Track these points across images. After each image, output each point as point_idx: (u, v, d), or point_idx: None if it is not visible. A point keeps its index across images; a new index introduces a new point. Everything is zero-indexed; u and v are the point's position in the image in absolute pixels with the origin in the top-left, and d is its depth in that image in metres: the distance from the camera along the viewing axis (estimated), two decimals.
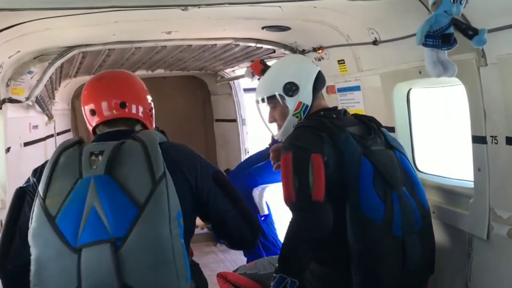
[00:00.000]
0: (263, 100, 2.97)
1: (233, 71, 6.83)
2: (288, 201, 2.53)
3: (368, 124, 2.87)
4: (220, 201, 2.26)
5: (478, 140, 2.62)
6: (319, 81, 2.93)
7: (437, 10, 2.03)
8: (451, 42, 2.11)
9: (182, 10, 3.13)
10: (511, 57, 2.28)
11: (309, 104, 2.84)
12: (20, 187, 2.33)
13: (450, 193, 3.02)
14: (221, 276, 3.09)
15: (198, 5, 3.05)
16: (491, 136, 2.53)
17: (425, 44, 2.13)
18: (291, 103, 2.85)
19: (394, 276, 2.52)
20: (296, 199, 2.49)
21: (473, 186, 2.76)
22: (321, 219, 2.48)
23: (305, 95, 2.84)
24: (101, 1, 2.37)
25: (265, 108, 3.05)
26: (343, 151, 2.56)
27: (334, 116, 2.79)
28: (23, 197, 2.29)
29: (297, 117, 2.85)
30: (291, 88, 2.83)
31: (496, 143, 2.49)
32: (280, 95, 2.87)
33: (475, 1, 2.36)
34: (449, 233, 2.99)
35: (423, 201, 2.70)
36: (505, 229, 2.49)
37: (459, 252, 2.89)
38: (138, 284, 1.95)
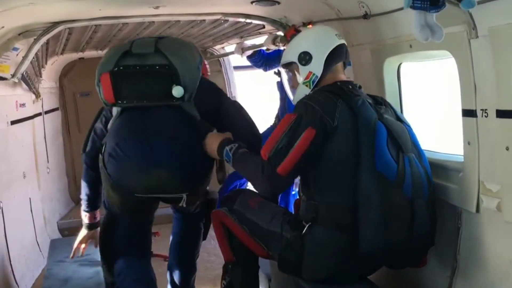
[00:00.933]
0: (283, 66, 3.12)
1: (222, 47, 6.76)
2: (263, 152, 2.69)
3: (379, 99, 2.96)
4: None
5: (468, 113, 2.61)
6: (336, 54, 2.95)
7: None
8: (439, 4, 2.06)
9: None
10: (503, 28, 2.25)
11: (319, 75, 2.89)
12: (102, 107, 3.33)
13: (440, 168, 3.00)
14: (215, 214, 3.24)
15: None
16: (481, 110, 2.52)
17: (413, 7, 2.09)
18: (303, 72, 2.92)
19: (402, 236, 2.60)
20: (267, 158, 2.66)
21: (462, 160, 2.75)
22: (274, 189, 2.77)
23: (317, 66, 2.89)
24: None
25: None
26: (358, 114, 2.66)
27: (350, 87, 2.87)
28: (100, 112, 3.37)
29: (306, 85, 2.91)
30: (304, 58, 2.90)
31: (486, 116, 2.48)
32: (295, 63, 2.95)
33: None
34: (439, 207, 2.99)
35: (429, 171, 2.78)
36: (494, 202, 2.49)
37: (449, 225, 2.90)
38: None
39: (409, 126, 2.87)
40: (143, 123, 3.08)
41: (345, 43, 3.02)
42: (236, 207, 3.17)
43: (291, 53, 2.99)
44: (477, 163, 2.60)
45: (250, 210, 3.09)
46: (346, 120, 2.64)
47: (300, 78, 2.94)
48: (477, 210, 2.62)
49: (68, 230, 6.15)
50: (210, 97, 3.26)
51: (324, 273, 2.73)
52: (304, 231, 2.71)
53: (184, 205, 3.16)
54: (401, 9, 2.94)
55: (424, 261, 2.84)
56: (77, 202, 7.15)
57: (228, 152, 2.92)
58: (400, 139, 2.70)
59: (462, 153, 2.74)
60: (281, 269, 2.92)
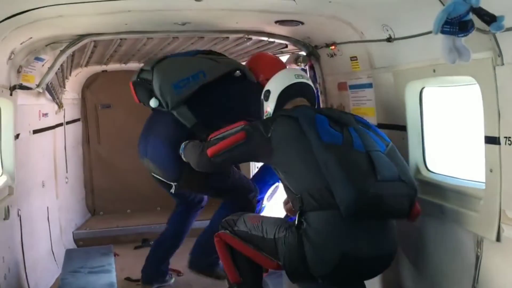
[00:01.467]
0: None
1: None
2: (210, 136, 3.55)
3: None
4: None
5: (491, 140, 2.58)
6: (291, 91, 3.46)
7: None
8: (468, 28, 2.05)
9: (196, 0, 3.12)
10: None
11: (271, 112, 3.45)
12: None
13: (459, 194, 2.97)
14: (219, 237, 3.50)
15: None
16: (504, 137, 2.49)
17: (442, 32, 2.08)
18: (265, 106, 3.53)
19: (369, 181, 2.80)
20: (207, 140, 3.54)
21: (483, 187, 2.72)
22: (200, 164, 3.52)
23: (271, 102, 3.48)
24: None
25: None
26: (297, 117, 3.10)
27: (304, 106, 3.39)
28: None
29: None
30: (266, 94, 3.52)
31: (510, 144, 2.45)
32: (262, 98, 3.55)
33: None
34: (458, 234, 2.96)
35: (382, 134, 3.17)
36: None
37: (467, 253, 2.86)
38: None
39: (372, 125, 3.26)
40: (149, 123, 4.40)
41: (305, 82, 3.52)
42: (238, 228, 3.41)
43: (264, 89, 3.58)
44: (499, 191, 2.56)
45: (254, 227, 3.32)
46: (283, 128, 3.11)
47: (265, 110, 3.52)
48: (498, 239, 2.58)
49: (83, 241, 6.20)
50: (220, 101, 4.11)
51: (330, 261, 2.82)
52: (297, 223, 2.89)
53: (173, 192, 4.17)
54: (426, 33, 2.97)
55: (416, 212, 2.98)
56: (94, 213, 7.27)
57: (182, 146, 3.77)
58: (342, 119, 3.12)
59: (483, 180, 2.71)
60: (290, 277, 3.06)
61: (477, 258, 2.78)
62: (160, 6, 3.30)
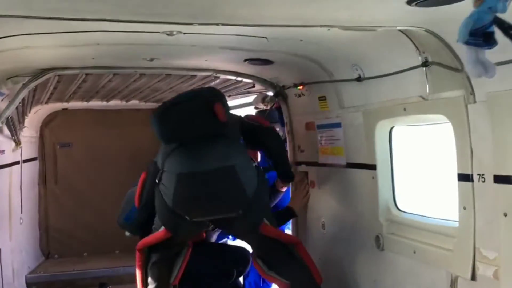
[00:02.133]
0: None
1: None
2: None
3: None
4: None
5: (464, 178, 2.59)
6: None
7: (480, 7, 1.92)
8: (492, 41, 1.99)
9: (168, 35, 3.08)
10: (501, 94, 2.27)
11: None
12: None
13: (432, 233, 2.97)
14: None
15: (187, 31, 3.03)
16: (478, 174, 2.51)
17: (467, 43, 2.03)
18: None
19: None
20: None
21: (457, 225, 2.71)
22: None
23: None
24: (89, 12, 2.27)
25: None
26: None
27: None
28: None
29: None
30: None
31: (484, 181, 2.47)
32: None
33: None
34: (431, 273, 2.93)
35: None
36: (491, 270, 2.44)
37: None
38: None
39: None
40: None
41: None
42: None
43: None
44: (473, 229, 2.56)
45: None
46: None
47: None
48: (473, 277, 2.56)
49: (36, 285, 5.90)
50: None
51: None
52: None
53: None
54: (396, 72, 3.02)
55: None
56: (48, 256, 6.94)
57: None
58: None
59: (456, 218, 2.70)
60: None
61: None
62: (131, 39, 3.24)
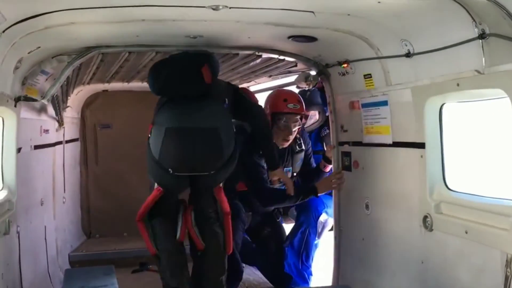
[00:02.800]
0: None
1: (248, 87, 6.73)
2: None
3: None
4: None
5: None
6: None
7: None
8: None
9: (213, 9, 3.04)
10: None
11: None
12: None
13: (485, 212, 2.86)
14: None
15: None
16: None
17: None
18: None
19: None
20: None
21: None
22: None
23: None
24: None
25: None
26: None
27: None
28: None
29: None
30: None
31: None
32: None
33: None
34: (484, 253, 2.84)
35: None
36: None
37: (494, 273, 2.73)
38: None
39: None
40: None
41: None
42: None
43: None
44: None
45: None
46: None
47: None
48: None
49: (79, 263, 6.01)
50: None
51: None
52: None
53: None
54: (449, 46, 2.90)
55: None
56: (89, 235, 7.07)
57: None
58: None
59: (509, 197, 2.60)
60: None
61: (506, 278, 2.65)
62: (175, 15, 3.22)
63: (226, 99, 4.04)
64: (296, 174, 5.19)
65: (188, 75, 3.80)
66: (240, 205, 4.94)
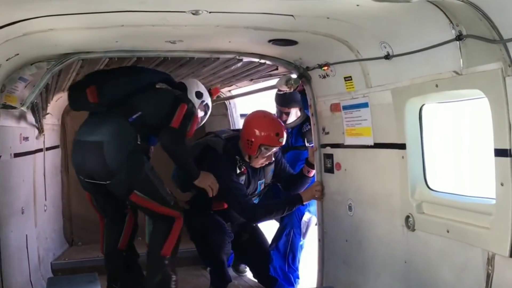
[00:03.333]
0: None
1: (229, 91, 6.73)
2: None
3: None
4: None
5: (501, 153, 2.53)
6: None
7: None
8: None
9: (193, 14, 3.04)
10: None
11: None
12: None
13: (466, 211, 2.90)
14: None
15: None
16: None
17: None
18: None
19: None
20: None
21: (493, 202, 2.65)
22: None
23: None
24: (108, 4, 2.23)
25: None
26: None
27: None
28: None
29: None
30: None
31: None
32: None
33: (503, 5, 2.30)
34: (466, 251, 2.88)
35: None
36: None
37: (476, 271, 2.77)
38: None
39: None
40: None
41: None
42: None
43: None
44: (511, 205, 2.50)
45: None
46: None
47: None
48: (511, 254, 2.50)
49: (62, 271, 5.93)
50: None
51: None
52: None
53: None
54: (427, 48, 2.94)
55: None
56: (72, 243, 6.99)
57: None
58: None
59: (493, 196, 2.64)
60: None
61: (488, 276, 2.69)
62: (155, 20, 3.21)
63: (140, 112, 4.24)
64: (268, 184, 5.20)
65: (76, 94, 4.37)
66: (221, 220, 5.00)
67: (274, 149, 4.85)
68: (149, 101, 4.35)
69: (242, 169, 4.84)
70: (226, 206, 4.92)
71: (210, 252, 4.97)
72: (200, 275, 5.98)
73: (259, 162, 4.88)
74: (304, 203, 4.81)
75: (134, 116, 4.24)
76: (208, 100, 4.84)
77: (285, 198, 4.96)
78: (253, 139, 4.73)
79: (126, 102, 4.26)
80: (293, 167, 5.35)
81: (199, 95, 4.71)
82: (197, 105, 4.66)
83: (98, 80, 4.28)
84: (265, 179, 5.10)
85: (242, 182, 4.83)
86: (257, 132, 4.74)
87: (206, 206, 4.95)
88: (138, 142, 4.23)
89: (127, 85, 4.29)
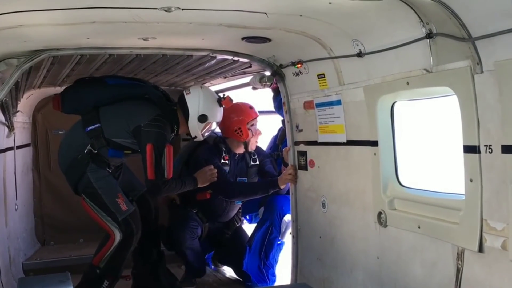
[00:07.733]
0: None
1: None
2: None
3: None
4: None
5: (470, 149, 2.57)
6: None
7: None
8: None
9: (166, 11, 3.02)
10: (510, 63, 2.24)
11: None
12: None
13: (437, 207, 2.95)
14: None
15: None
16: (484, 145, 2.49)
17: None
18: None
19: None
20: None
21: (462, 198, 2.70)
22: None
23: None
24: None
25: None
26: None
27: None
28: None
29: None
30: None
31: (491, 152, 2.45)
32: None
33: (471, 4, 2.34)
34: (436, 247, 2.92)
35: None
36: (499, 240, 2.43)
37: (446, 266, 2.82)
38: None
39: None
40: None
41: None
42: None
43: None
44: (480, 201, 2.55)
45: None
46: None
47: None
48: (480, 249, 2.55)
49: (33, 271, 5.84)
50: None
51: None
52: None
53: None
54: (398, 46, 2.98)
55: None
56: (44, 243, 6.88)
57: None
58: None
59: (463, 192, 2.68)
60: None
61: (458, 270, 2.74)
62: (126, 17, 3.17)
63: (98, 124, 4.38)
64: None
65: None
66: (192, 215, 5.24)
67: (257, 121, 5.22)
68: (111, 115, 4.41)
69: (225, 157, 5.17)
70: (209, 196, 5.15)
71: (172, 245, 5.29)
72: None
73: (253, 143, 5.26)
74: (281, 187, 4.97)
75: (91, 127, 4.40)
76: (214, 118, 4.59)
77: (263, 181, 5.32)
78: (239, 126, 5.11)
79: (91, 112, 4.42)
80: None
81: (202, 119, 4.53)
82: (199, 130, 4.55)
83: (68, 89, 4.56)
84: (248, 179, 5.37)
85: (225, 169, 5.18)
86: (235, 118, 5.12)
87: (191, 197, 5.22)
88: (86, 152, 4.34)
89: (89, 96, 4.42)
